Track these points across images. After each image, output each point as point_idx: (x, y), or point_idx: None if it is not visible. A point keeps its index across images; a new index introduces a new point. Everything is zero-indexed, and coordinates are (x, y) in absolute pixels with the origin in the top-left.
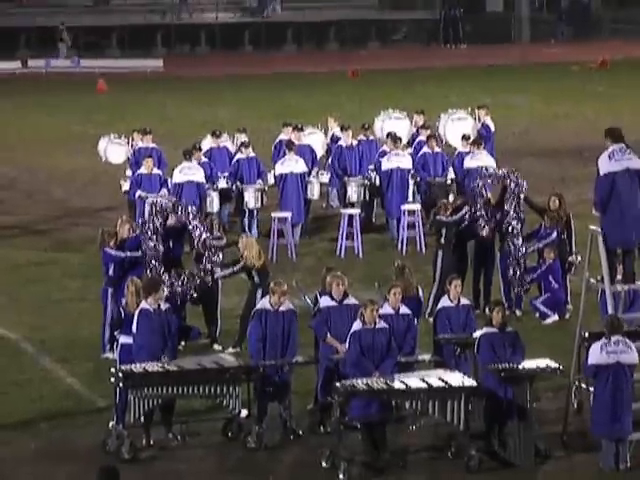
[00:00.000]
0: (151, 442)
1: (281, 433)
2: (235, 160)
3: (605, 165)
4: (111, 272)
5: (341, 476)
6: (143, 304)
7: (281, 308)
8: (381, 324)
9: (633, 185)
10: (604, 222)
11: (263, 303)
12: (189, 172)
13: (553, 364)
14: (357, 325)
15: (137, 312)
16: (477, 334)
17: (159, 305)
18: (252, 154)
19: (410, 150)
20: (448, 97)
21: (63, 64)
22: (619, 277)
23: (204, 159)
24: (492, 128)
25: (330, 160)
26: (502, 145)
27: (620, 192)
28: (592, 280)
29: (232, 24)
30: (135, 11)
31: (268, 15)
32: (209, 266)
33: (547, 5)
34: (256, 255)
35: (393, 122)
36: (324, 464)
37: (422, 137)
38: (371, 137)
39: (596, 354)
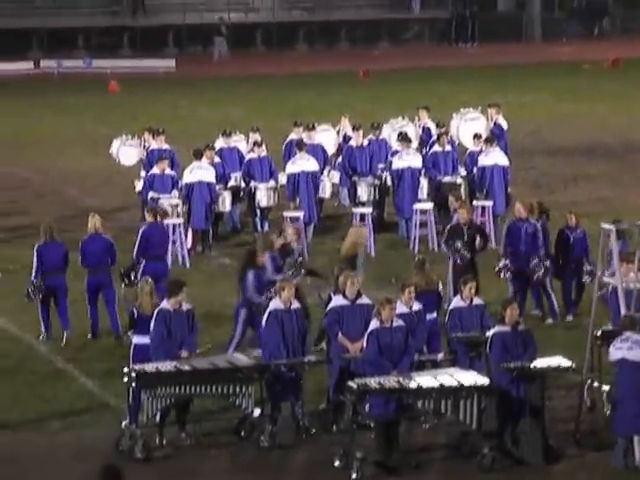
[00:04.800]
0: (164, 442)
1: (294, 432)
2: (247, 159)
3: None
4: None
5: (354, 475)
6: (164, 304)
7: (292, 306)
8: (398, 322)
9: None
10: None
11: (275, 303)
12: (199, 172)
13: (565, 362)
14: (374, 324)
15: (157, 311)
16: (490, 333)
17: (180, 306)
18: (264, 153)
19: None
20: (460, 96)
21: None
22: None
23: (216, 159)
24: (504, 126)
25: (341, 159)
26: (514, 144)
27: None
28: (605, 279)
29: (243, 24)
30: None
31: (413, 11)
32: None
33: (558, 4)
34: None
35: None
36: (337, 463)
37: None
38: (381, 137)
39: (610, 351)
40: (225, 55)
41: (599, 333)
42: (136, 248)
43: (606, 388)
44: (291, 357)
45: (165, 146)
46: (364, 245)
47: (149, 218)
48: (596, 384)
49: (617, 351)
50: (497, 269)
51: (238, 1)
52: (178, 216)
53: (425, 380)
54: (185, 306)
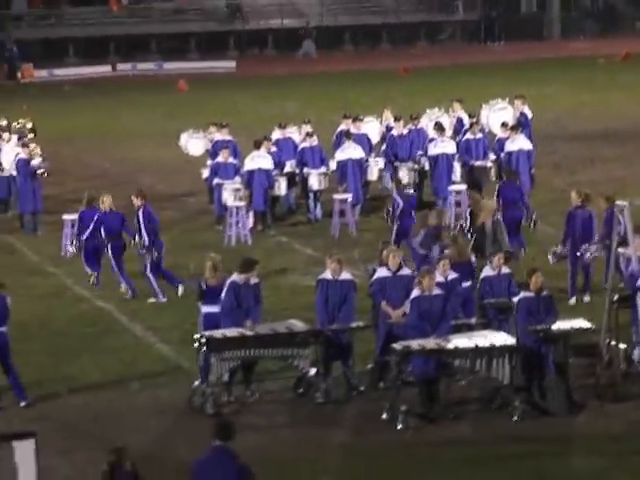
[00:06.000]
0: (232, 399)
1: (345, 389)
2: (300, 148)
3: None
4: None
5: (399, 426)
6: (235, 276)
7: (340, 277)
8: (437, 291)
9: None
10: None
11: (324, 274)
12: (258, 160)
13: (586, 324)
14: (416, 292)
15: (228, 283)
16: (516, 299)
17: (249, 280)
18: (315, 143)
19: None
20: (489, 89)
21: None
22: None
23: (273, 148)
24: (529, 115)
25: (384, 147)
26: (538, 131)
27: None
28: (620, 250)
29: (295, 29)
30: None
31: (457, 13)
32: None
33: (575, 4)
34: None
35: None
36: (384, 416)
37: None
38: (419, 126)
39: None
40: (313, 54)
41: (616, 298)
42: (144, 228)
43: (623, 346)
44: (333, 322)
45: (228, 137)
46: (491, 215)
47: (140, 201)
48: (613, 343)
49: None
50: (551, 252)
51: (290, 9)
52: (241, 199)
53: (461, 341)
54: (253, 280)
